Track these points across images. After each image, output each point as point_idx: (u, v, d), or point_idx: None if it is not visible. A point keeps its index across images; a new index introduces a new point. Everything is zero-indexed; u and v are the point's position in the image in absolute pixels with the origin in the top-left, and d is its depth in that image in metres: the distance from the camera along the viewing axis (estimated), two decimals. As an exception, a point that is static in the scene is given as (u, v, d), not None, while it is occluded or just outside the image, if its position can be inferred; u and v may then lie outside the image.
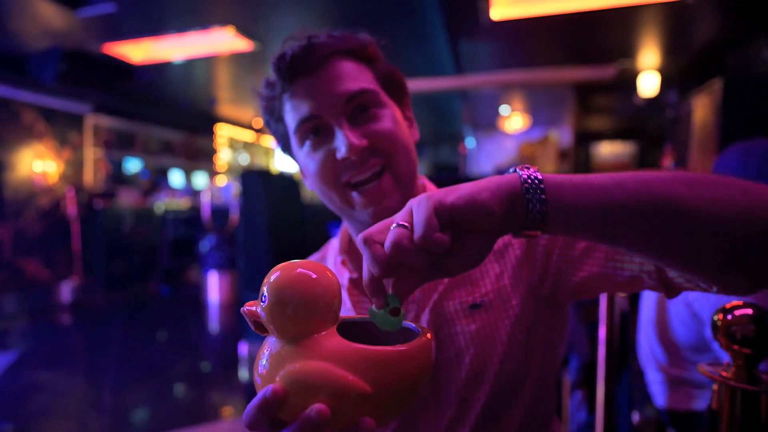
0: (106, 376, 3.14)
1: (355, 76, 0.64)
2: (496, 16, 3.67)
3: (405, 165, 0.65)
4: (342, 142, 0.61)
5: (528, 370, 0.66)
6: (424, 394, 0.66)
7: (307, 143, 0.65)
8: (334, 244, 0.80)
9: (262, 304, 0.38)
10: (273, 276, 0.38)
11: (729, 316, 0.48)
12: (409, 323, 0.44)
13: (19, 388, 2.97)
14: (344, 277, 0.71)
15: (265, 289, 0.38)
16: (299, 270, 0.38)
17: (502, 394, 0.64)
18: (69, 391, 2.95)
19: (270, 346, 0.39)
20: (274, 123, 0.71)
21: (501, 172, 0.61)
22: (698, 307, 1.19)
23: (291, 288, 0.37)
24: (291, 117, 0.66)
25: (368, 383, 0.36)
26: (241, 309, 0.40)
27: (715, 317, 0.50)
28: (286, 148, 0.73)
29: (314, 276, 0.38)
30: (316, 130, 0.64)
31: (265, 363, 0.38)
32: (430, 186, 0.76)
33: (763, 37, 3.92)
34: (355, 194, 0.64)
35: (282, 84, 0.65)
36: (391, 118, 0.65)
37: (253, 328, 0.41)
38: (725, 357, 0.51)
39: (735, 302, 0.49)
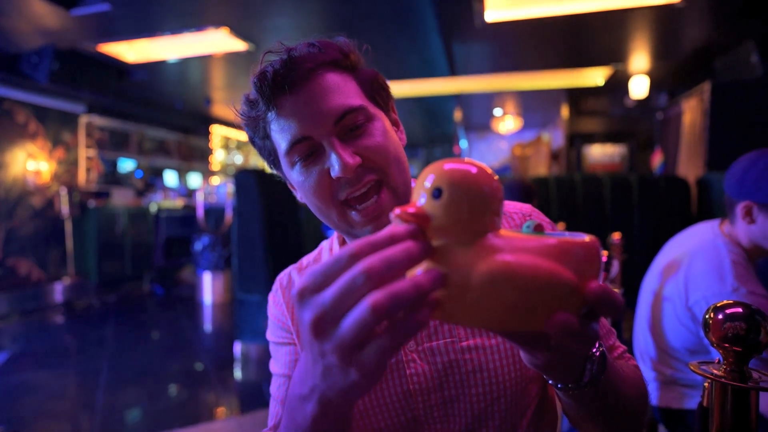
0: (99, 376, 3.13)
1: (341, 90, 0.63)
2: (491, 19, 3.70)
3: (399, 177, 0.65)
4: (336, 161, 0.60)
5: (540, 376, 0.67)
6: (433, 406, 0.66)
7: (299, 164, 0.64)
8: (328, 246, 0.79)
9: (433, 200, 0.34)
10: (445, 169, 0.34)
11: (720, 315, 0.50)
12: (555, 233, 0.41)
13: (12, 388, 2.95)
14: None
15: (439, 183, 0.34)
16: (469, 164, 0.34)
17: (516, 404, 0.65)
18: (62, 391, 2.94)
19: (438, 253, 0.34)
20: (259, 140, 0.69)
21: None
22: (698, 311, 1.21)
23: (473, 178, 0.34)
24: (279, 137, 0.64)
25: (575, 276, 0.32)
26: (395, 212, 0.34)
27: (707, 315, 0.52)
28: (275, 165, 0.71)
29: (486, 170, 0.35)
30: (307, 153, 0.63)
31: (439, 267, 0.33)
32: None
33: (751, 42, 3.99)
34: (354, 214, 0.64)
35: (265, 103, 0.63)
36: (381, 131, 0.65)
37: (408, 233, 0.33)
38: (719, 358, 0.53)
39: (726, 301, 0.52)
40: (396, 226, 0.34)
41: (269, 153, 0.69)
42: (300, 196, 0.70)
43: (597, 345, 0.47)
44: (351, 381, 0.35)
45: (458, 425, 0.65)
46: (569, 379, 0.46)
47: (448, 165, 0.34)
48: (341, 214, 0.65)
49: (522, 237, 0.34)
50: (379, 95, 0.69)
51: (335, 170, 0.61)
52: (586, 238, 0.35)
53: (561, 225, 2.25)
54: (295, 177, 0.66)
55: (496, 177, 0.35)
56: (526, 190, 2.28)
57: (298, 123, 0.62)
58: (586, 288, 0.32)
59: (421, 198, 0.35)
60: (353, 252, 0.33)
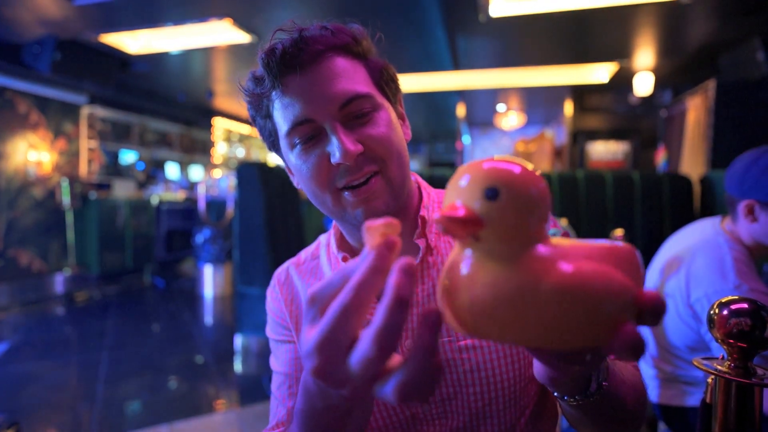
0: (99, 367, 3.14)
1: (350, 76, 0.62)
2: (495, 14, 3.68)
3: (398, 170, 0.64)
4: (337, 147, 0.59)
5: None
6: (431, 404, 0.66)
7: (299, 146, 0.63)
8: (325, 241, 0.78)
9: (488, 202, 0.30)
10: (499, 168, 0.31)
11: (725, 311, 0.50)
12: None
13: (12, 378, 2.96)
14: None
15: (494, 183, 0.30)
16: (518, 162, 0.31)
17: (514, 404, 0.65)
18: (62, 382, 2.95)
19: (486, 263, 0.30)
20: (261, 119, 0.68)
21: None
22: (700, 308, 1.21)
23: (530, 179, 0.30)
24: (281, 117, 0.63)
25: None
26: (441, 215, 0.30)
27: (711, 311, 0.51)
28: (274, 146, 0.70)
29: (534, 171, 0.31)
30: (309, 136, 0.62)
31: (494, 284, 0.29)
32: (424, 185, 0.76)
33: (756, 39, 3.96)
34: (347, 194, 0.63)
35: (272, 80, 0.61)
36: (386, 122, 0.64)
37: (455, 234, 0.30)
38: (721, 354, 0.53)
39: (731, 297, 0.51)
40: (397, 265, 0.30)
41: (270, 133, 0.68)
42: (296, 181, 0.69)
43: None
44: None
45: (456, 423, 0.65)
46: (575, 390, 0.46)
47: (497, 163, 0.31)
48: (336, 200, 0.64)
49: (573, 243, 0.32)
50: (388, 86, 0.68)
51: (336, 156, 0.60)
52: (623, 244, 0.33)
53: (564, 221, 2.25)
54: (294, 160, 0.65)
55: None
56: None
57: (302, 104, 0.60)
58: (643, 295, 0.30)
59: (467, 200, 0.30)
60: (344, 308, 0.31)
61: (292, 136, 0.63)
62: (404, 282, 0.29)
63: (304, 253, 0.80)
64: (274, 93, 0.63)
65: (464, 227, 0.30)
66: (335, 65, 0.61)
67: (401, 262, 0.30)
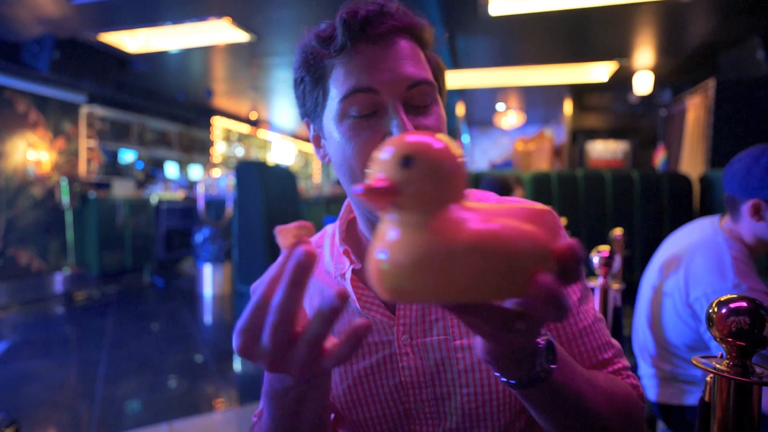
0: (98, 367, 3.14)
1: (418, 62, 0.61)
2: (495, 12, 3.68)
3: None
4: (399, 127, 0.57)
5: None
6: (425, 401, 0.65)
7: (353, 118, 0.59)
8: (330, 232, 0.76)
9: (403, 169, 0.32)
10: (409, 139, 0.33)
11: (723, 309, 0.50)
12: None
13: (12, 377, 2.96)
14: (347, 268, 0.68)
15: (407, 152, 0.33)
16: (438, 135, 0.34)
17: (510, 407, 0.64)
18: (61, 381, 2.95)
19: (408, 225, 0.32)
20: (310, 81, 0.63)
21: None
22: (699, 307, 1.21)
23: (441, 146, 0.33)
24: (341, 82, 0.59)
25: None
26: (360, 187, 0.32)
27: (710, 310, 0.51)
28: (312, 114, 0.66)
29: (445, 138, 0.34)
30: (367, 110, 0.59)
31: (415, 244, 0.31)
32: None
33: (757, 38, 3.96)
34: None
35: (344, 42, 0.58)
36: (440, 117, 0.62)
37: (373, 204, 0.33)
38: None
39: (730, 295, 0.51)
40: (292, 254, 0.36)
41: (314, 99, 0.64)
42: (325, 156, 0.66)
43: (541, 335, 0.45)
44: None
45: (450, 423, 0.65)
46: (519, 372, 0.44)
47: (407, 135, 0.34)
48: None
49: (489, 205, 0.34)
50: (441, 86, 0.67)
51: (396, 134, 0.57)
52: (541, 206, 0.36)
53: (563, 220, 2.25)
54: (339, 132, 0.61)
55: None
56: (501, 183, 2.34)
57: (369, 72, 0.58)
58: (557, 246, 0.32)
59: (384, 169, 0.33)
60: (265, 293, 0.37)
61: (348, 104, 0.59)
62: (295, 269, 0.35)
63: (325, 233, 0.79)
64: (339, 56, 0.59)
65: (384, 196, 0.32)
66: (409, 46, 0.60)
67: (298, 253, 0.35)
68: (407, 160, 0.32)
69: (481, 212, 0.33)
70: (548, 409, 0.49)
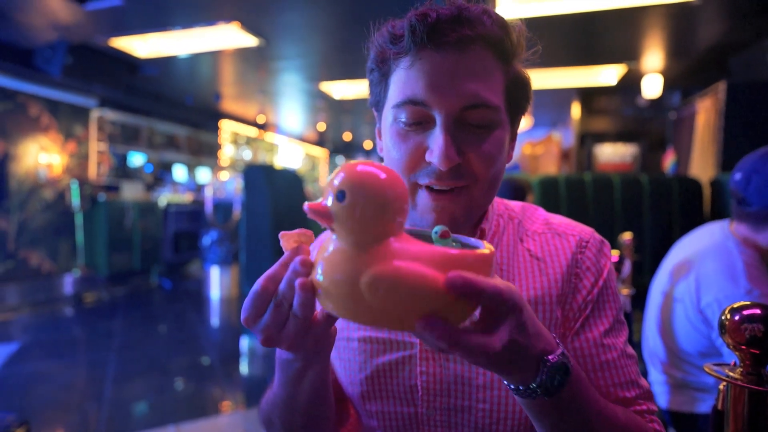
0: (107, 368, 3.16)
1: (487, 79, 0.57)
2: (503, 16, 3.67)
3: (485, 193, 0.61)
4: (438, 149, 0.55)
5: None
6: (437, 409, 0.65)
7: (401, 125, 0.59)
8: None
9: (337, 202, 0.35)
10: (352, 173, 0.35)
11: (737, 316, 0.49)
12: (462, 237, 0.45)
13: (22, 378, 2.99)
14: None
15: (343, 186, 0.35)
16: (379, 169, 0.36)
17: (525, 430, 0.63)
18: (70, 382, 2.97)
19: (337, 250, 0.36)
20: (378, 74, 0.63)
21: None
22: (710, 313, 1.19)
23: (378, 185, 0.35)
24: (398, 87, 0.58)
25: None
26: (306, 206, 0.36)
27: (723, 317, 0.50)
28: (376, 106, 0.66)
29: (394, 176, 0.36)
30: (416, 120, 0.58)
31: (336, 268, 0.36)
32: (501, 205, 0.73)
33: (767, 41, 3.92)
34: (424, 193, 0.59)
35: (409, 45, 0.56)
36: (498, 143, 0.59)
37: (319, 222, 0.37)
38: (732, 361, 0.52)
39: (743, 302, 0.50)
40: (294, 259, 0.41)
41: (378, 93, 0.64)
42: (381, 149, 0.66)
43: (557, 351, 0.44)
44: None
45: None
46: (522, 380, 0.44)
47: (356, 168, 0.36)
48: (411, 192, 0.60)
49: (419, 245, 0.36)
50: (518, 103, 0.63)
51: (432, 156, 0.56)
52: (484, 248, 0.38)
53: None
54: (390, 134, 0.61)
55: (402, 183, 0.37)
56: (515, 187, 2.31)
57: (426, 85, 0.55)
58: (448, 287, 0.33)
59: (328, 197, 0.36)
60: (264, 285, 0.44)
61: (399, 111, 0.58)
62: (292, 273, 0.41)
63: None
64: (404, 57, 0.58)
65: (322, 219, 0.36)
66: (478, 59, 0.56)
67: (295, 262, 0.40)
68: (341, 194, 0.35)
69: (402, 251, 0.35)
70: (551, 427, 0.49)
